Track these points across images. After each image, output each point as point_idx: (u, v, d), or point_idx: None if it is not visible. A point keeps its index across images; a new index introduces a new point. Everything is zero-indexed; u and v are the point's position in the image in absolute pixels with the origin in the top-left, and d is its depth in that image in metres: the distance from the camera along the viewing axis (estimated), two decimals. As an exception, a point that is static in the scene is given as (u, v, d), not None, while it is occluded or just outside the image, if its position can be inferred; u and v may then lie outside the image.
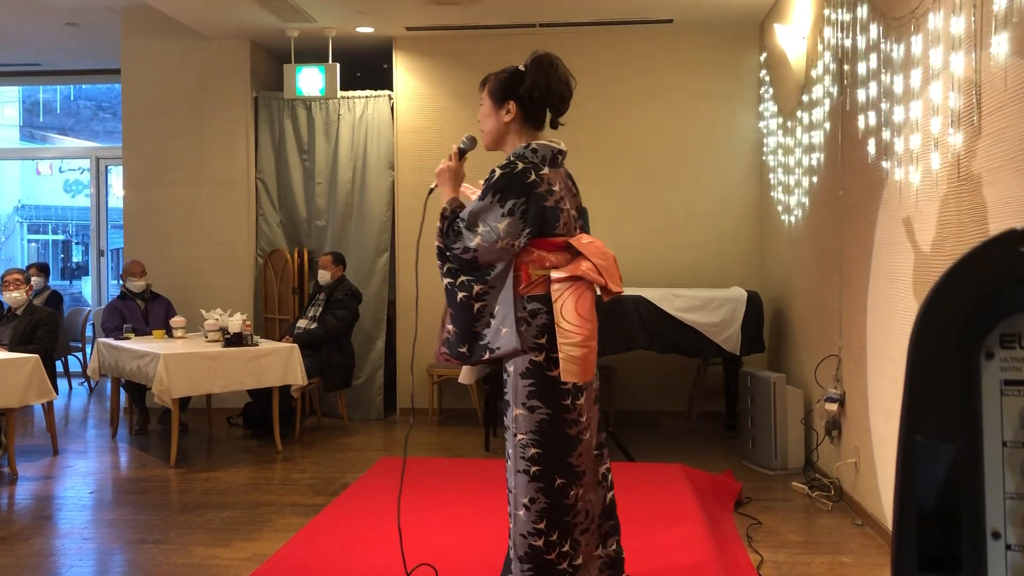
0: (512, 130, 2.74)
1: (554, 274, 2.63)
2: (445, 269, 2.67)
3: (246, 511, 4.60)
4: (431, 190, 2.83)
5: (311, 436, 6.57)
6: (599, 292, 2.72)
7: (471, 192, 2.84)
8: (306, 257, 7.44)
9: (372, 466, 5.29)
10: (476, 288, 2.61)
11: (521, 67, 2.73)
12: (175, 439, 5.64)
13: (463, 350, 2.66)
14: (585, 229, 2.85)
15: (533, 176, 2.62)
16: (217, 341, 6.06)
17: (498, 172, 2.64)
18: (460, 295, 2.62)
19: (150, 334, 6.57)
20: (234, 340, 5.92)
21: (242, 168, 7.53)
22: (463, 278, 2.63)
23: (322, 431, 6.78)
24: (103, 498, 4.99)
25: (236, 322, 5.99)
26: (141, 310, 6.94)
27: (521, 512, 2.65)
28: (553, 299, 2.61)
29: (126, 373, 6.05)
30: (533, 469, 2.63)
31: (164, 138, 7.56)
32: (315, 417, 7.07)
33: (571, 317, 2.57)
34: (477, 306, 2.61)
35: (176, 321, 6.53)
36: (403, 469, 3.16)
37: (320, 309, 6.71)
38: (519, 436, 2.65)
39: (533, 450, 2.63)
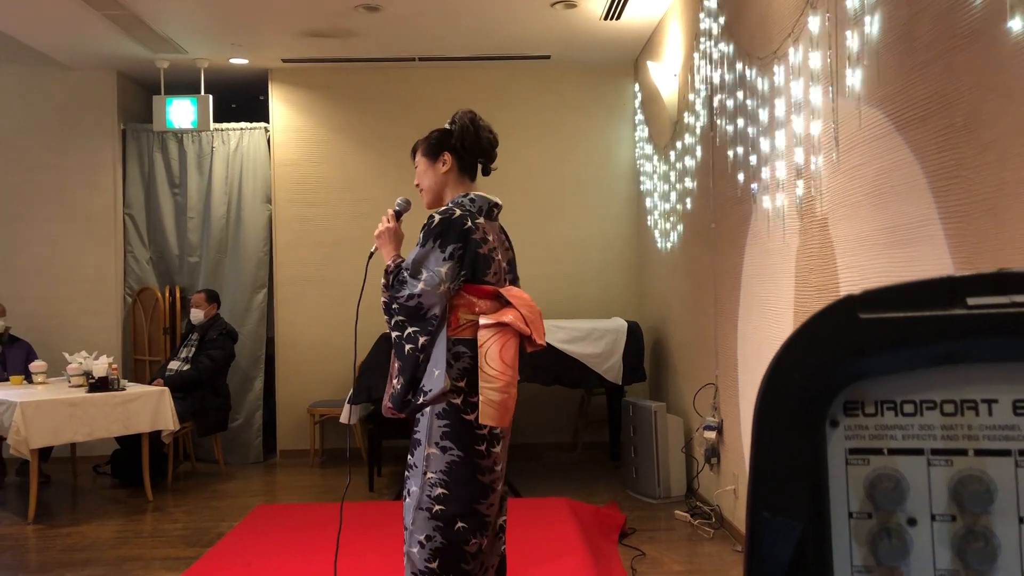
0: (450, 181, 2.82)
1: (482, 320, 2.66)
2: (393, 323, 2.69)
3: (111, 568, 4.33)
4: (371, 253, 2.85)
5: (184, 483, 6.27)
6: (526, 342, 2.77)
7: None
8: (178, 295, 7.15)
9: (248, 514, 5.08)
10: (422, 340, 2.64)
11: (447, 126, 2.84)
12: (34, 492, 5.29)
13: (409, 398, 2.68)
14: (515, 283, 2.92)
15: (469, 223, 2.68)
16: (81, 386, 5.74)
17: (437, 218, 2.69)
18: (407, 347, 2.66)
19: (7, 380, 6.16)
20: (99, 385, 5.62)
21: (109, 203, 7.20)
22: (410, 330, 2.65)
23: (196, 478, 6.48)
24: (-50, 561, 4.62)
25: (101, 365, 5.69)
26: (-3, 355, 6.51)
27: (415, 549, 2.62)
28: (479, 344, 2.63)
29: (-22, 423, 5.64)
30: (436, 508, 2.62)
31: (23, 171, 7.15)
32: (189, 463, 6.76)
33: (495, 363, 2.60)
34: (422, 357, 2.65)
35: (36, 366, 6.15)
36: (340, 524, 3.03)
37: (193, 350, 6.44)
38: (428, 474, 2.64)
39: (440, 490, 2.62)
